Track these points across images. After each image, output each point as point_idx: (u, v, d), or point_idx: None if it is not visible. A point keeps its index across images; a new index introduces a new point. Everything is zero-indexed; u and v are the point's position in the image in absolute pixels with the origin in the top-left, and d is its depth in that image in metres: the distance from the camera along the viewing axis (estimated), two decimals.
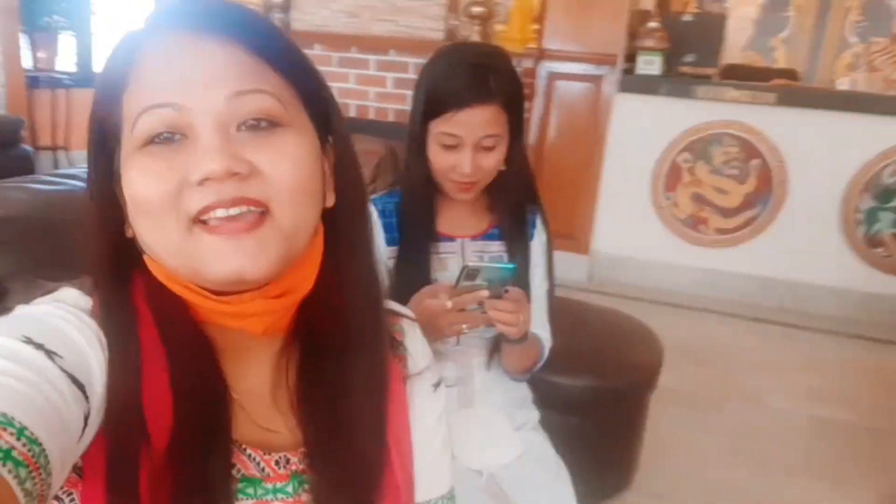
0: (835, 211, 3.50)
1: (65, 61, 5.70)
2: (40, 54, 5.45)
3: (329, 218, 0.58)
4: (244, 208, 0.50)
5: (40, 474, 0.39)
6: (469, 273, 1.07)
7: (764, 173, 3.55)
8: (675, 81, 3.67)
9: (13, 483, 0.37)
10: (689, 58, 4.03)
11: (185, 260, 0.51)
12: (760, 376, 2.89)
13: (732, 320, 3.48)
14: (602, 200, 3.78)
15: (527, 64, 3.59)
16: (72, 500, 0.50)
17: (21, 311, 0.52)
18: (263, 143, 0.51)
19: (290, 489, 0.58)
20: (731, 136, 3.57)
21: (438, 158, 1.18)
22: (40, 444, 0.40)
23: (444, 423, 0.72)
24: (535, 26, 3.72)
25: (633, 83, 3.64)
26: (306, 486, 0.59)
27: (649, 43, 3.82)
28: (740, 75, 4.16)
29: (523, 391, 1.36)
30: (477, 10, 3.73)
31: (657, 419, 2.03)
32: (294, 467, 0.59)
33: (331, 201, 0.58)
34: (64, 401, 0.45)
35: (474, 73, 1.14)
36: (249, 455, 0.57)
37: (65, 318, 0.51)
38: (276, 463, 0.58)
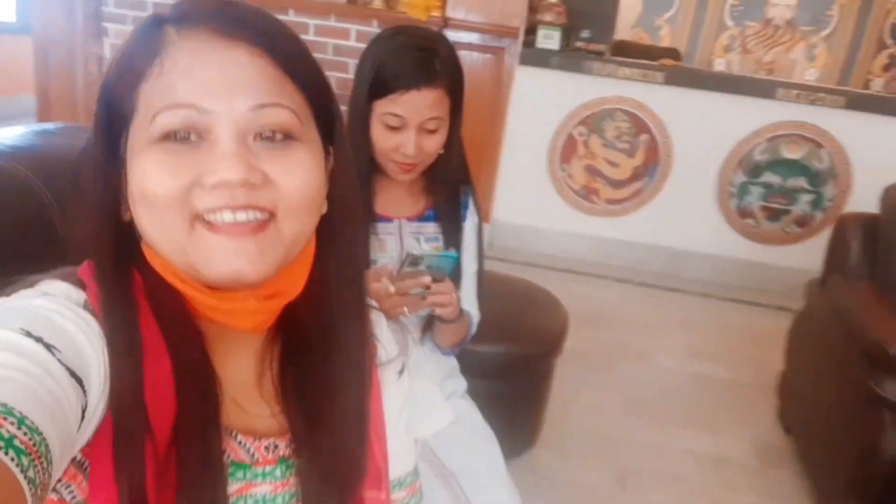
0: (712, 184, 3.80)
1: None
2: None
3: (321, 223, 0.60)
4: (251, 214, 0.51)
5: (42, 463, 0.39)
6: (412, 260, 1.11)
7: (651, 148, 3.79)
8: (571, 56, 3.80)
9: (16, 471, 0.37)
10: (585, 33, 4.18)
11: (185, 256, 0.52)
12: (647, 337, 3.13)
13: (622, 285, 3.72)
14: (502, 170, 3.89)
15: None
16: (70, 492, 0.50)
17: (12, 303, 0.51)
18: (278, 156, 0.53)
19: (277, 473, 0.61)
20: (622, 112, 3.76)
21: (381, 138, 1.19)
22: (41, 434, 0.40)
23: (406, 408, 0.76)
24: None
25: (533, 56, 3.74)
26: (293, 471, 0.61)
27: (549, 17, 3.93)
28: (629, 52, 4.38)
29: (451, 362, 1.42)
30: None
31: (559, 379, 2.17)
32: (281, 452, 0.61)
33: (324, 208, 0.60)
34: (64, 393, 0.45)
35: (421, 57, 1.17)
36: (240, 441, 0.59)
37: (60, 311, 0.50)
38: (266, 449, 0.60)
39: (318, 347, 0.62)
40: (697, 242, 3.87)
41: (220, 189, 0.50)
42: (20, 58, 4.53)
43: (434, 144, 1.22)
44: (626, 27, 5.32)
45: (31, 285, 0.54)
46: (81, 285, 0.55)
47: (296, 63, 0.55)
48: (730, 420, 2.50)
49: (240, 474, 0.58)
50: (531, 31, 3.84)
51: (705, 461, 2.23)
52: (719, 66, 4.90)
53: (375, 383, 0.69)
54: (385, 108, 1.18)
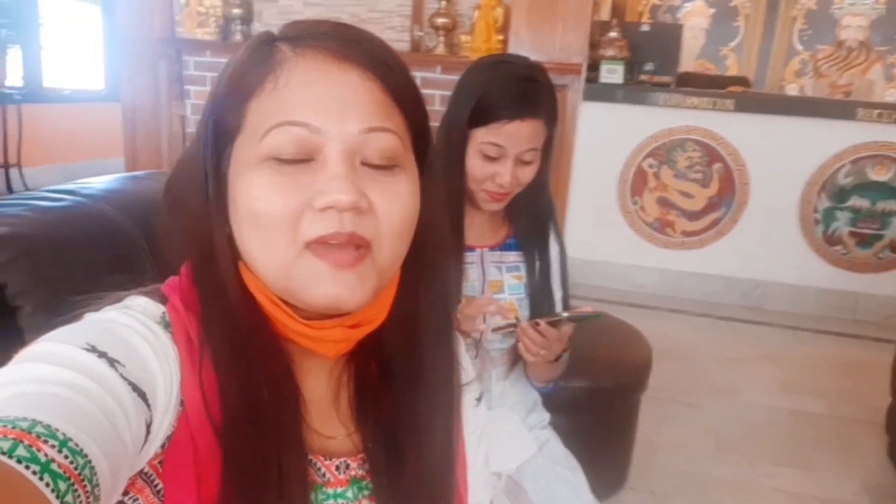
0: (794, 211, 3.64)
1: (14, 76, 5.51)
2: None
3: (409, 251, 0.59)
4: (351, 250, 0.51)
5: (84, 486, 0.38)
6: (552, 324, 1.15)
7: (726, 176, 3.68)
8: (636, 89, 3.77)
9: (51, 497, 0.36)
10: (649, 66, 4.15)
11: (287, 279, 0.52)
12: (731, 372, 2.98)
13: (700, 319, 3.58)
14: (571, 207, 3.85)
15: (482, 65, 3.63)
16: None
17: (89, 318, 0.52)
18: (382, 183, 0.52)
19: (349, 494, 0.59)
20: (693, 142, 3.69)
21: (478, 167, 1.18)
22: (85, 456, 0.39)
23: (484, 440, 0.73)
24: (500, 37, 3.77)
25: (597, 92, 3.73)
26: (366, 493, 0.59)
27: (610, 52, 3.93)
28: (696, 83, 4.31)
29: (534, 395, 1.38)
30: (441, 20, 3.77)
31: (643, 416, 2.08)
32: (353, 473, 0.59)
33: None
34: (122, 410, 0.45)
35: (525, 88, 1.15)
36: (310, 460, 0.58)
37: (131, 325, 0.51)
38: (337, 468, 0.59)
39: (404, 374, 0.61)
40: (781, 272, 3.71)
41: (328, 212, 0.50)
42: (108, 123, 4.83)
43: (528, 175, 1.20)
44: (689, 59, 5.25)
45: (116, 301, 0.55)
46: (162, 300, 0.55)
47: (403, 90, 0.55)
48: (831, 458, 2.33)
49: (311, 495, 0.57)
50: (594, 66, 3.84)
51: (805, 501, 2.07)
52: (792, 91, 4.75)
53: (459, 409, 0.67)
54: (485, 138, 1.16)
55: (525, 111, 1.14)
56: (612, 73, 3.79)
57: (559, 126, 3.68)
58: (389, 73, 0.53)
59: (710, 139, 3.65)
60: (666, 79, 4.22)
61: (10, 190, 5.16)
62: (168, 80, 4.07)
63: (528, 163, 1.19)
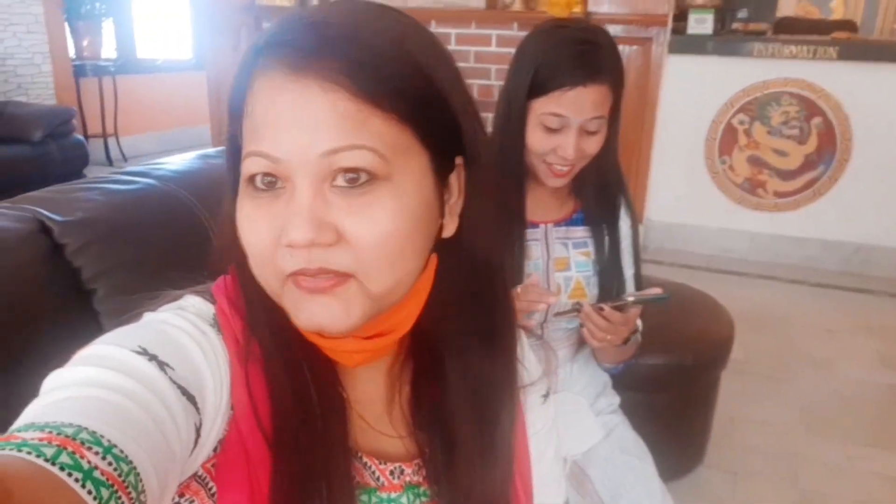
0: None
1: (108, 48, 5.77)
2: (84, 42, 5.52)
3: (447, 246, 0.55)
4: (327, 277, 0.48)
5: (129, 493, 0.38)
6: (619, 308, 1.10)
7: (826, 132, 3.41)
8: (728, 40, 3.53)
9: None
10: (742, 13, 3.88)
11: (281, 303, 0.51)
12: (827, 344, 2.81)
13: (794, 287, 3.38)
14: (655, 167, 3.69)
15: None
16: None
17: (145, 318, 0.53)
18: (356, 205, 0.48)
19: (404, 500, 0.58)
20: (789, 95, 3.43)
21: (539, 140, 1.12)
22: (130, 462, 0.39)
23: (555, 434, 0.71)
24: None
25: (685, 44, 3.52)
26: (423, 499, 0.58)
27: (700, 0, 3.68)
28: (796, 29, 4.00)
29: (604, 377, 1.33)
30: None
31: (724, 391, 1.99)
32: (408, 478, 0.58)
33: (450, 231, 0.55)
34: (170, 414, 0.45)
35: (585, 51, 1.08)
36: (365, 463, 0.57)
37: (183, 327, 0.51)
38: (391, 473, 0.58)
39: (455, 374, 0.58)
40: (885, 236, 3.43)
41: (294, 249, 0.47)
42: (197, 91, 4.99)
43: (594, 146, 1.13)
44: (790, 2, 4.86)
45: (173, 299, 0.55)
46: (213, 300, 0.56)
47: (387, 87, 0.48)
48: None
49: (364, 498, 0.56)
50: (681, 16, 3.62)
51: None
52: None
53: (519, 408, 0.64)
54: (545, 108, 1.10)
55: (587, 76, 1.07)
56: (700, 23, 3.56)
57: (643, 82, 3.52)
58: (361, 72, 0.47)
59: (809, 91, 3.39)
60: (762, 26, 3.93)
61: (108, 159, 5.46)
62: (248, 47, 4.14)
63: (592, 132, 1.11)
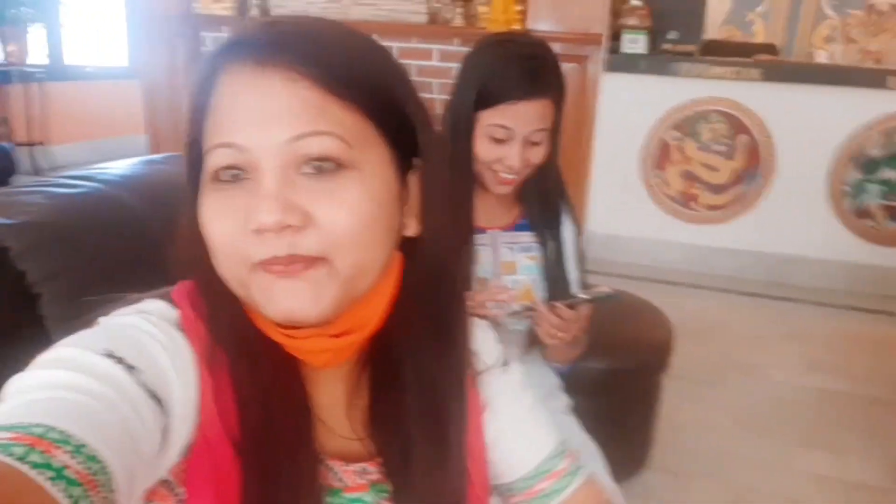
0: (822, 184, 3.56)
1: (36, 54, 5.54)
2: (10, 48, 5.28)
3: (410, 246, 0.56)
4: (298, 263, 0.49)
5: (98, 492, 0.38)
6: (569, 306, 1.12)
7: (751, 149, 3.59)
8: (659, 59, 3.68)
9: (65, 502, 0.36)
10: (672, 35, 4.04)
11: (248, 297, 0.52)
12: (757, 350, 2.94)
13: (725, 295, 3.53)
14: (593, 181, 3.79)
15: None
16: None
17: (108, 322, 0.52)
18: (323, 190, 0.49)
19: (368, 498, 0.59)
20: (717, 113, 3.60)
21: (485, 150, 1.16)
22: (100, 462, 0.40)
23: (528, 389, 0.71)
24: (519, 7, 3.70)
25: (619, 62, 3.65)
26: (385, 496, 0.59)
27: (633, 21, 3.83)
28: (721, 51, 4.19)
29: (553, 379, 1.37)
30: None
31: (665, 396, 2.05)
32: (371, 477, 0.59)
33: (412, 230, 0.56)
34: (138, 416, 0.45)
35: (530, 67, 1.13)
36: (329, 466, 0.58)
37: (148, 331, 0.51)
38: (356, 473, 0.59)
39: (411, 377, 0.59)
40: (808, 247, 3.63)
41: (262, 234, 0.48)
42: (132, 100, 4.84)
43: (538, 156, 1.18)
44: (714, 25, 5.11)
45: (133, 303, 0.55)
46: (175, 305, 0.55)
47: (341, 78, 0.50)
48: (857, 439, 2.29)
49: (329, 500, 0.57)
50: (615, 36, 3.75)
51: (831, 483, 2.05)
52: (821, 58, 4.62)
53: (474, 400, 0.65)
54: (491, 120, 1.14)
55: (532, 91, 1.12)
56: (633, 43, 3.70)
57: (581, 98, 3.62)
58: (319, 65, 0.49)
59: (735, 110, 3.56)
60: (690, 47, 4.10)
61: (35, 168, 5.23)
62: (186, 57, 4.06)
63: (536, 143, 1.16)
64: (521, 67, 1.12)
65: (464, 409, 0.63)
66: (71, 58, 5.87)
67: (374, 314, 0.56)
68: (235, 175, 0.50)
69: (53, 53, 5.67)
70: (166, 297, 0.56)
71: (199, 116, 0.52)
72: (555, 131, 1.18)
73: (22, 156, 4.98)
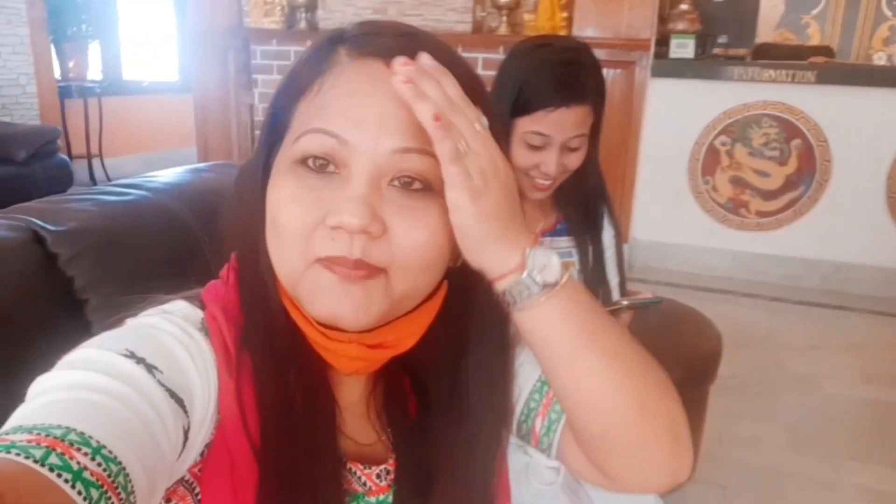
0: (880, 189, 3.42)
1: (94, 70, 5.77)
2: (70, 64, 5.51)
3: (457, 274, 0.55)
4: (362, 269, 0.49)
5: (118, 494, 0.38)
6: (612, 312, 1.09)
7: (806, 153, 3.48)
8: (709, 64, 3.61)
9: None
10: (722, 39, 3.96)
11: (294, 289, 0.51)
12: (811, 361, 2.84)
13: (777, 304, 3.42)
14: (639, 187, 3.73)
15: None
16: None
17: (131, 323, 0.52)
18: (407, 207, 0.49)
19: (391, 500, 0.58)
20: (769, 117, 3.50)
21: (522, 156, 1.14)
22: (119, 463, 0.39)
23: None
24: (564, 14, 3.68)
25: (667, 68, 3.59)
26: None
27: (681, 26, 3.77)
28: (774, 55, 4.09)
29: None
30: None
31: (711, 407, 2.00)
32: (392, 478, 0.59)
33: (460, 260, 0.54)
34: (159, 416, 0.45)
35: (568, 72, 1.11)
36: (350, 469, 0.57)
37: (170, 331, 0.51)
38: (378, 476, 0.58)
39: (442, 403, 0.58)
40: (865, 254, 3.50)
41: (339, 232, 0.47)
42: (182, 114, 5.00)
43: (575, 162, 1.15)
44: (768, 29, 4.98)
45: (159, 303, 0.55)
46: (201, 305, 0.55)
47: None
48: None
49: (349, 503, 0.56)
50: (663, 41, 3.69)
51: (886, 499, 1.96)
52: (879, 60, 4.45)
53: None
54: (528, 127, 1.12)
55: (570, 98, 1.10)
56: (682, 48, 3.64)
57: (627, 104, 3.58)
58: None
59: (788, 114, 3.46)
60: (742, 51, 4.01)
61: (92, 180, 5.44)
62: (236, 70, 4.16)
63: (574, 149, 1.14)
64: (557, 73, 1.10)
65: (497, 443, 0.60)
66: (128, 73, 6.09)
67: (412, 334, 0.55)
68: (323, 165, 0.49)
69: (110, 69, 5.90)
70: (193, 298, 0.56)
71: (294, 95, 0.52)
72: (594, 135, 1.16)
73: (79, 168, 5.18)
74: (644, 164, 3.69)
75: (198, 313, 0.54)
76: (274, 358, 0.53)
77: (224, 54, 4.16)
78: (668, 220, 3.78)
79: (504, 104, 1.13)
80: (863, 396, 2.55)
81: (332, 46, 0.51)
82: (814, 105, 3.42)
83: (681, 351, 1.84)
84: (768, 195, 3.60)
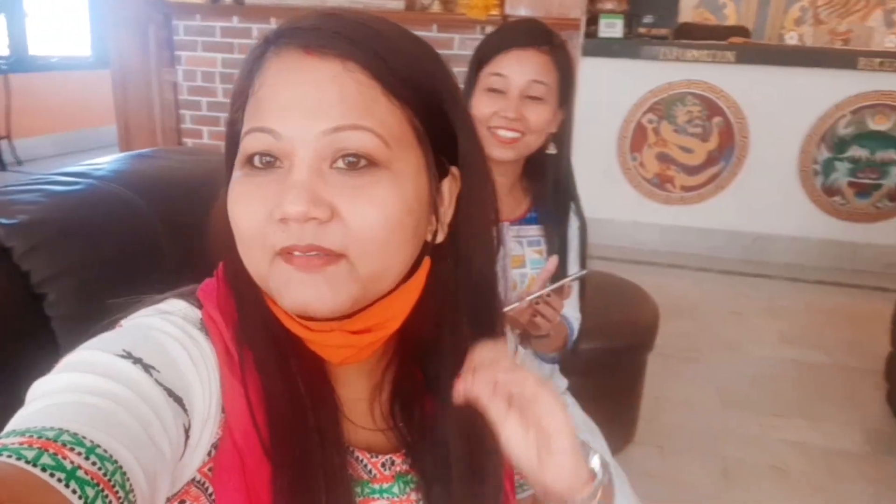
0: (793, 163, 3.64)
1: None
2: None
3: (441, 250, 0.56)
4: (318, 255, 0.49)
5: (116, 492, 0.38)
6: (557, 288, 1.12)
7: (726, 130, 3.66)
8: (635, 43, 3.72)
9: (78, 503, 0.36)
10: (648, 18, 4.08)
11: (266, 286, 0.52)
12: (735, 326, 3.02)
13: (702, 274, 3.61)
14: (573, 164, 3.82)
15: (490, 31, 3.58)
16: None
17: (128, 323, 0.52)
18: (353, 187, 0.48)
19: (395, 490, 0.59)
20: (693, 95, 3.66)
21: (483, 104, 1.13)
22: (115, 462, 0.39)
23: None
24: None
25: (596, 47, 3.68)
26: (412, 486, 0.60)
27: (609, 5, 3.86)
28: (695, 34, 4.25)
29: (545, 367, 1.39)
30: None
31: (648, 374, 2.11)
32: (398, 468, 0.59)
33: (440, 237, 0.56)
34: (157, 416, 0.45)
35: (528, 24, 1.16)
36: (357, 457, 0.58)
37: (168, 331, 0.51)
38: (383, 465, 0.59)
39: (444, 383, 0.57)
40: (781, 225, 3.73)
41: (287, 224, 0.47)
42: (97, 91, 4.75)
43: (537, 116, 1.13)
44: (688, 9, 5.17)
45: (155, 303, 0.55)
46: (199, 304, 0.55)
47: (390, 74, 0.49)
48: (834, 407, 2.38)
49: (357, 490, 0.57)
50: (592, 20, 3.78)
51: (811, 451, 2.13)
52: (791, 39, 4.70)
53: None
54: (488, 71, 1.13)
55: (529, 41, 1.12)
56: (610, 28, 3.73)
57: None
58: (369, 57, 0.49)
59: (710, 92, 3.62)
60: (664, 31, 4.15)
61: (1, 162, 5.11)
62: (157, 45, 3.98)
63: (535, 98, 1.13)
64: (514, 24, 1.16)
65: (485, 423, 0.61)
66: (35, 48, 5.73)
67: (396, 316, 0.55)
68: (269, 162, 0.49)
69: (16, 44, 5.53)
70: (190, 296, 0.56)
71: (242, 98, 0.52)
72: (565, 132, 1.19)
73: None
74: (575, 142, 3.77)
75: (196, 313, 0.54)
76: (274, 351, 0.54)
77: (143, 29, 3.97)
78: (598, 196, 3.88)
79: (472, 70, 1.16)
80: (783, 357, 2.75)
81: (262, 47, 0.52)
82: (733, 84, 3.59)
83: (623, 323, 1.94)
84: (692, 170, 3.77)
